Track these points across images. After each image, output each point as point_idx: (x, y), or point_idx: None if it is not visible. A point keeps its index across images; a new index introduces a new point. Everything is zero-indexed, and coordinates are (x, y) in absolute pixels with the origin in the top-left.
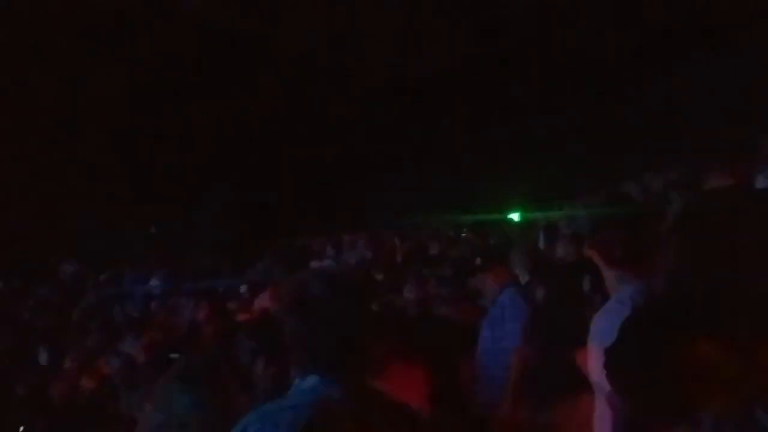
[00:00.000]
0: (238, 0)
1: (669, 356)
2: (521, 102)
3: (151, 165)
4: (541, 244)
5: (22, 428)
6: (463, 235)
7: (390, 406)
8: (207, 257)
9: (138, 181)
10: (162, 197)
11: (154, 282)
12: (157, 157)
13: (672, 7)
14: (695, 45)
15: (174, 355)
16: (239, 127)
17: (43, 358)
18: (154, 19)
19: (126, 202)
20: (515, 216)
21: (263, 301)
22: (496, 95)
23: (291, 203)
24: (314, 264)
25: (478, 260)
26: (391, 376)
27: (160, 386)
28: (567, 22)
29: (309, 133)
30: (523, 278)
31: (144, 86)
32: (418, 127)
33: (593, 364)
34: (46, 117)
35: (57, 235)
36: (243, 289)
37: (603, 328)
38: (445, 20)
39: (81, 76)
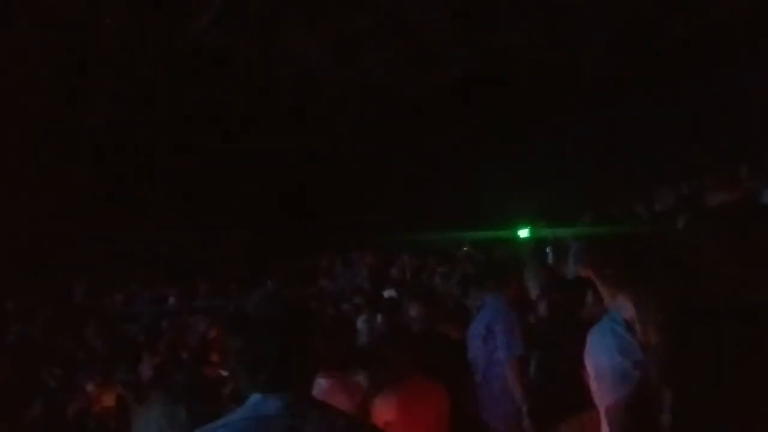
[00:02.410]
0: (239, 22)
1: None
2: (529, 119)
3: (160, 185)
4: (550, 261)
5: None
6: (465, 249)
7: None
8: (217, 277)
9: (148, 201)
10: (172, 217)
11: (164, 302)
12: (165, 177)
13: (674, 25)
14: (700, 62)
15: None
16: (246, 147)
17: (55, 378)
18: (155, 42)
19: (136, 223)
20: (523, 233)
21: None
22: (503, 112)
23: (299, 222)
24: (322, 282)
25: (485, 277)
26: (408, 390)
27: (157, 403)
28: (572, 39)
29: (316, 152)
30: (535, 294)
31: (151, 108)
32: (425, 145)
33: (589, 380)
34: (56, 137)
35: (68, 256)
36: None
37: (595, 346)
38: (453, 36)
39: (88, 97)
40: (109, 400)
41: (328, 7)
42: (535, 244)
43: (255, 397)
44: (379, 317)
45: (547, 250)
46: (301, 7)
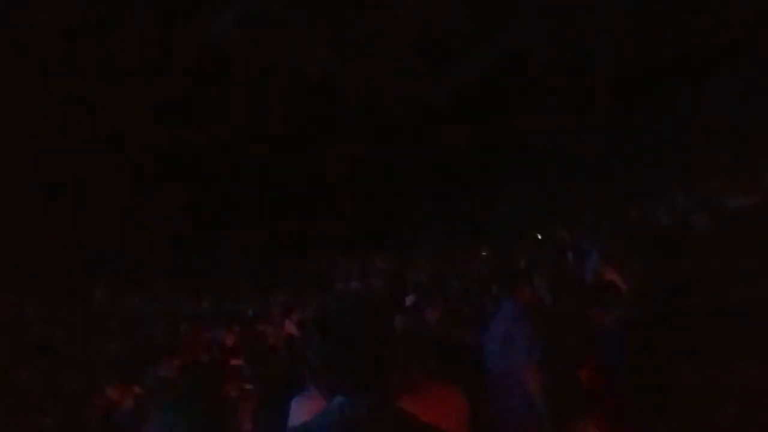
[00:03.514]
0: (255, 26)
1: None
2: (546, 123)
3: (178, 189)
4: (569, 265)
5: None
6: (484, 253)
7: (415, 426)
8: (235, 280)
9: (166, 205)
10: (190, 221)
11: (183, 305)
12: (182, 180)
13: (689, 29)
14: (716, 65)
15: None
16: (263, 150)
17: (75, 382)
18: (176, 46)
19: (155, 227)
20: (539, 237)
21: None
22: (518, 115)
23: (319, 226)
24: (338, 286)
25: (501, 282)
26: (428, 396)
27: (162, 406)
28: (589, 42)
29: (334, 156)
30: (547, 299)
31: (169, 113)
32: (442, 148)
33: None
34: (77, 145)
35: (88, 260)
36: (272, 310)
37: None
38: (467, 42)
39: (108, 104)
40: (128, 403)
41: (339, 11)
42: (551, 248)
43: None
44: (397, 322)
45: (567, 254)
46: (315, 12)
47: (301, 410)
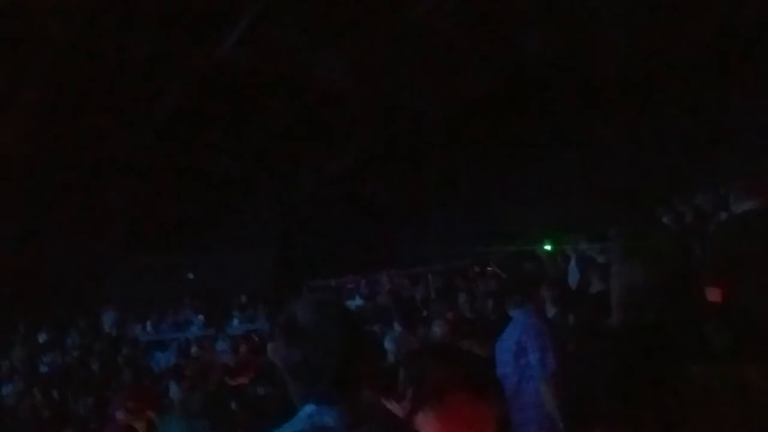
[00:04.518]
0: (269, 44)
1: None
2: (552, 132)
3: (187, 208)
4: (575, 276)
5: None
6: (490, 269)
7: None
8: (243, 300)
9: (173, 225)
10: (196, 242)
11: (192, 327)
12: (188, 200)
13: (694, 33)
14: (722, 67)
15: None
16: (270, 166)
17: (86, 407)
18: (186, 66)
19: (162, 249)
20: (546, 248)
21: None
22: (524, 127)
23: (324, 243)
24: (348, 303)
25: (511, 292)
26: (453, 408)
27: (175, 421)
28: (594, 50)
29: (340, 171)
30: (550, 311)
31: (176, 131)
32: (448, 161)
33: None
34: (79, 167)
35: (96, 285)
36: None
37: None
38: (472, 54)
39: (116, 122)
40: (140, 427)
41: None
42: (558, 257)
43: (309, 408)
44: (404, 336)
45: (573, 263)
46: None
47: None
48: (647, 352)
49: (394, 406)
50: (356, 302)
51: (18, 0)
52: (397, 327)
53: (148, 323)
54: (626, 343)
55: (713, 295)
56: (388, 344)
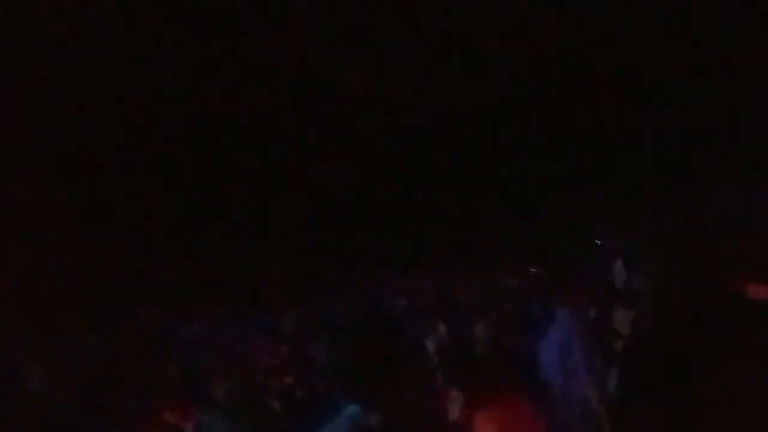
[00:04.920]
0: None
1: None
2: (587, 129)
3: (218, 206)
4: (621, 275)
5: None
6: (533, 270)
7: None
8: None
9: (207, 223)
10: (230, 241)
11: (232, 326)
12: (224, 197)
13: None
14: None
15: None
16: (301, 164)
17: (131, 407)
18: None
19: (200, 247)
20: (585, 245)
21: None
22: (556, 122)
23: (359, 240)
24: (391, 303)
25: (552, 291)
26: (512, 410)
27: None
28: (601, 44)
29: (368, 170)
30: (595, 310)
31: (205, 131)
32: (479, 158)
33: None
34: (115, 159)
35: (138, 283)
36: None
37: None
38: (495, 48)
39: (142, 120)
40: (188, 428)
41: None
42: (604, 256)
43: (352, 409)
44: (445, 337)
45: (618, 262)
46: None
47: None
48: (686, 351)
49: (445, 408)
50: (399, 302)
51: None
52: (440, 328)
53: (194, 322)
54: (661, 344)
55: (758, 291)
56: (430, 345)
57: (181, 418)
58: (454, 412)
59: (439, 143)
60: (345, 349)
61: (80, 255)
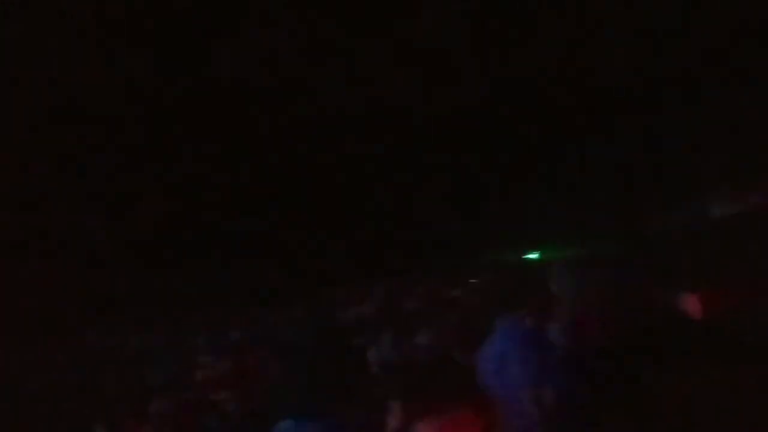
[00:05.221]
0: (259, 56)
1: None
2: (537, 144)
3: (173, 221)
4: (562, 285)
5: None
6: (478, 280)
7: None
8: (225, 311)
9: (162, 240)
10: (189, 256)
11: (183, 341)
12: (179, 212)
13: (678, 49)
14: (706, 81)
15: None
16: (257, 178)
17: (71, 425)
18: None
19: (147, 260)
20: (533, 257)
21: None
22: (511, 137)
23: (313, 255)
24: (338, 314)
25: (495, 303)
26: (446, 419)
27: None
28: (586, 63)
29: (325, 184)
30: (537, 322)
31: (176, 146)
32: (434, 172)
33: None
34: (68, 181)
35: (80, 301)
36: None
37: None
38: (462, 62)
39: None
40: None
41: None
42: (547, 268)
43: (286, 424)
44: (389, 347)
45: (560, 274)
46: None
47: None
48: (623, 363)
49: (386, 418)
50: (344, 313)
51: None
52: (384, 338)
53: (132, 336)
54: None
55: (691, 303)
56: (373, 356)
57: None
58: (397, 422)
59: (383, 157)
60: (288, 362)
61: (19, 275)
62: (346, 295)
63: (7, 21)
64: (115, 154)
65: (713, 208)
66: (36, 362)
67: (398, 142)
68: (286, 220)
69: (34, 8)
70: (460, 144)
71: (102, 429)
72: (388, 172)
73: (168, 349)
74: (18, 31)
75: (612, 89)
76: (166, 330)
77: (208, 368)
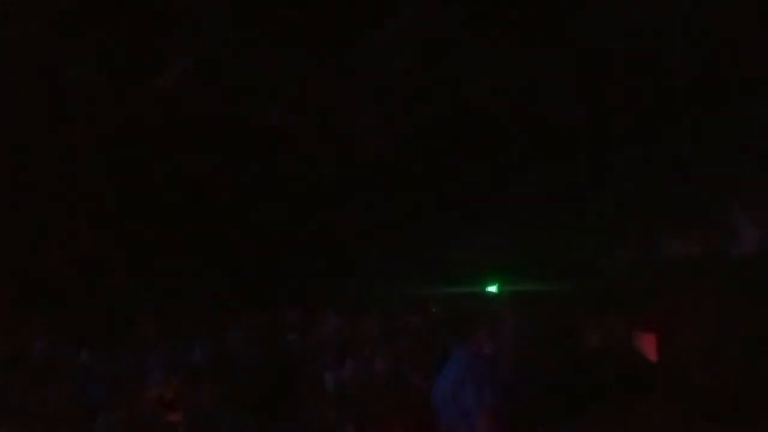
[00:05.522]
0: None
1: None
2: (502, 173)
3: (124, 240)
4: (513, 317)
5: None
6: (434, 310)
7: None
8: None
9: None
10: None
11: (124, 358)
12: (132, 233)
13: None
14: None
15: None
16: (218, 201)
17: None
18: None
19: (98, 276)
20: (490, 289)
21: None
22: (468, 166)
23: (266, 276)
24: (289, 337)
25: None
26: None
27: None
28: (539, 92)
29: (282, 205)
30: (490, 348)
31: (124, 166)
32: (392, 199)
33: None
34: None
35: (28, 314)
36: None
37: None
38: (417, 89)
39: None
40: None
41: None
42: (501, 298)
43: None
44: (344, 371)
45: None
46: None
47: None
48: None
49: None
50: (300, 337)
51: None
52: (339, 362)
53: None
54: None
55: (646, 341)
56: (329, 379)
57: None
58: None
59: (341, 183)
60: (242, 385)
61: None
62: (302, 319)
63: None
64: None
65: (666, 246)
66: None
67: (357, 169)
68: (241, 240)
69: None
70: (417, 174)
71: None
72: (343, 198)
73: (115, 365)
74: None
75: (573, 122)
76: (114, 345)
77: (158, 387)
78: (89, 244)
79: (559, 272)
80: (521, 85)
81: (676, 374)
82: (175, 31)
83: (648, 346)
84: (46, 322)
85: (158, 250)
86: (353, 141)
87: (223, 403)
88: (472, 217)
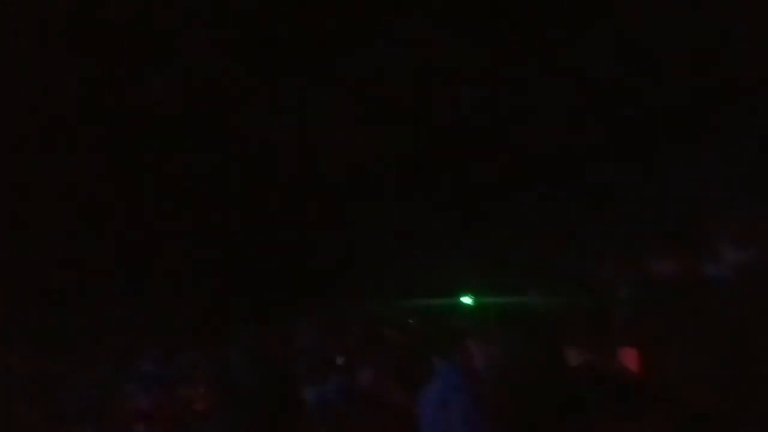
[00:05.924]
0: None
1: None
2: (477, 185)
3: (105, 249)
4: (496, 333)
5: None
6: (411, 322)
7: None
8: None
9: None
10: (117, 282)
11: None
12: (114, 243)
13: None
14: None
15: None
16: (201, 215)
17: None
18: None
19: (80, 287)
20: (469, 301)
21: None
22: (449, 179)
23: (250, 290)
24: (277, 352)
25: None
26: None
27: None
28: (517, 112)
29: (267, 219)
30: (476, 365)
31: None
32: (374, 212)
33: None
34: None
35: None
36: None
37: None
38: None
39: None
40: None
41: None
42: (486, 312)
43: None
44: (329, 386)
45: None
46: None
47: None
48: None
49: None
50: (282, 351)
51: None
52: (322, 377)
53: (58, 362)
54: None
55: (633, 364)
56: (310, 394)
57: None
58: None
59: (327, 195)
60: (223, 398)
61: None
62: (284, 333)
63: None
64: None
65: (656, 266)
66: None
67: (342, 181)
68: (225, 254)
69: None
70: (398, 188)
71: None
72: (330, 212)
73: (90, 376)
74: None
75: (555, 140)
76: (89, 356)
77: (134, 399)
78: (75, 250)
79: (544, 288)
80: (511, 104)
81: (662, 392)
82: (159, 47)
83: (632, 363)
84: (25, 331)
85: (141, 266)
86: (333, 156)
87: (202, 417)
88: (456, 229)
